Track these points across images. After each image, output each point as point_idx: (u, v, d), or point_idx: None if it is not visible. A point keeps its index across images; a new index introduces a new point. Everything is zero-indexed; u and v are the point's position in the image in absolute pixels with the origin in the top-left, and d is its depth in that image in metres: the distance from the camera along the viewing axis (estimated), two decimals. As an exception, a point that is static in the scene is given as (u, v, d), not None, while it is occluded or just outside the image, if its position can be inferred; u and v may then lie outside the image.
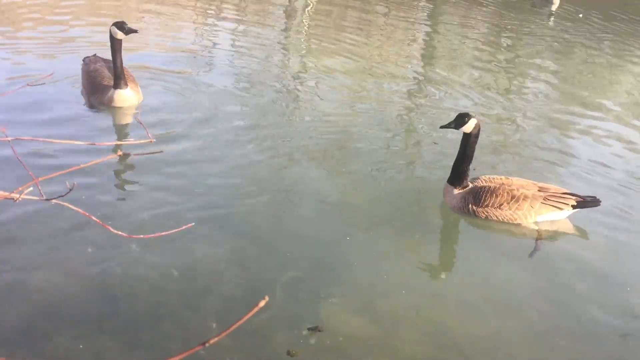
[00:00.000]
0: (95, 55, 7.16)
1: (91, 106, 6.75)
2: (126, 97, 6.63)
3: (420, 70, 10.14)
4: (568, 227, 5.38)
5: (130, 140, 2.72)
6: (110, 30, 6.46)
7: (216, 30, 11.16)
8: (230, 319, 3.78)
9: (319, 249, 4.73)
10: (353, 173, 6.01)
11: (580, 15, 16.02)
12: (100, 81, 6.69)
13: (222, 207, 5.08)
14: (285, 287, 4.19)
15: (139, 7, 11.49)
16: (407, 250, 4.90)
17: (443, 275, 4.71)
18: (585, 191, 5.54)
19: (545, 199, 5.11)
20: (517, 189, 5.14)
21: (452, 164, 5.37)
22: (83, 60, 7.10)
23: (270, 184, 5.61)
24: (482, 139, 6.88)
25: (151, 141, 2.30)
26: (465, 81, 9.36)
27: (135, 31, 6.55)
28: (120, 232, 2.25)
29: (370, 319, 4.02)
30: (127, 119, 6.71)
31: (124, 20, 6.59)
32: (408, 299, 4.27)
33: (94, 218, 2.17)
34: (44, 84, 6.34)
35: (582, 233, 5.35)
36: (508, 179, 5.31)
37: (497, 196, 5.12)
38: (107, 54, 6.74)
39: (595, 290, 4.62)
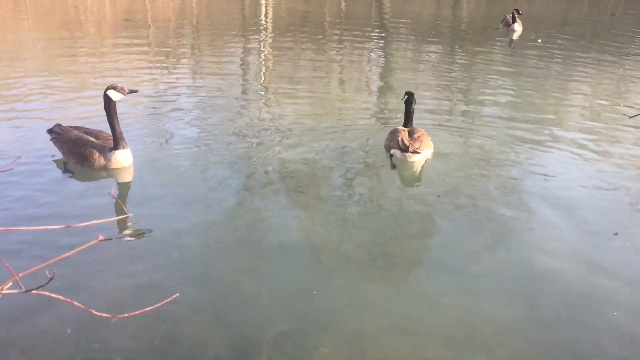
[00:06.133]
0: (58, 124, 7.13)
1: (70, 171, 6.76)
2: (127, 157, 6.84)
3: (380, 101, 10.49)
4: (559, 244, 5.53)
5: (108, 219, 2.74)
6: (107, 94, 6.61)
7: (172, 77, 11.34)
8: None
9: (301, 298, 4.69)
10: (325, 215, 6.05)
11: (539, 41, 16.70)
12: (92, 145, 6.76)
13: (200, 269, 5.04)
14: (272, 344, 4.13)
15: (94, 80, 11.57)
16: (392, 292, 4.89)
17: (429, 313, 4.61)
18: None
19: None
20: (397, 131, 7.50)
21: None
22: (52, 131, 7.05)
23: (246, 238, 5.60)
24: (445, 158, 7.14)
25: (128, 216, 2.33)
26: (426, 108, 9.62)
27: (135, 91, 6.83)
28: (104, 314, 2.24)
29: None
30: (127, 178, 6.83)
31: (116, 84, 6.73)
32: (397, 342, 4.25)
33: (76, 304, 2.15)
34: (12, 169, 6.26)
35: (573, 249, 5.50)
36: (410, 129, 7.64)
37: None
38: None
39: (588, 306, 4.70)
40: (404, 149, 7.08)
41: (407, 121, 7.73)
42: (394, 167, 7.19)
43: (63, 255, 1.78)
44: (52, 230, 5.06)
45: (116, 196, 6.41)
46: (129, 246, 5.35)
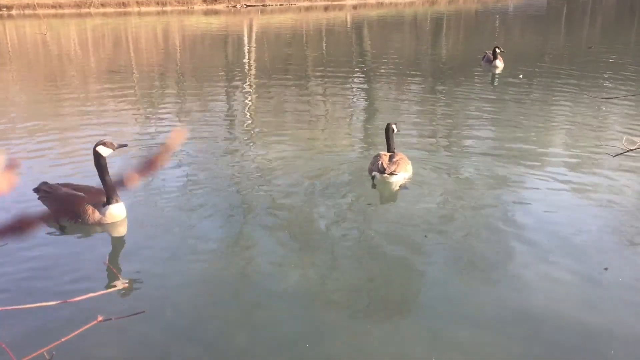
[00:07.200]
0: (45, 182, 7.06)
1: (63, 228, 6.68)
2: (121, 211, 6.81)
3: (364, 139, 10.71)
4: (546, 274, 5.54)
5: (103, 291, 2.71)
6: (96, 150, 6.64)
7: (159, 125, 11.36)
8: None
9: (298, 347, 4.66)
10: (316, 259, 6.06)
11: (521, 76, 17.03)
12: (85, 201, 6.76)
13: (194, 325, 4.98)
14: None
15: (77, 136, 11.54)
16: (389, 335, 4.87)
17: (427, 355, 4.58)
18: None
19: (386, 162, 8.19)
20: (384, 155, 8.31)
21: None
22: (39, 190, 6.95)
23: (238, 289, 5.59)
24: (432, 194, 7.18)
25: (125, 286, 2.33)
26: (411, 144, 9.72)
27: (125, 145, 6.94)
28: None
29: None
30: (122, 232, 6.78)
31: (105, 139, 6.77)
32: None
33: (74, 382, 2.14)
34: (6, 244, 6.17)
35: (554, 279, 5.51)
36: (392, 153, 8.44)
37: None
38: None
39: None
40: (382, 172, 8.00)
41: (389, 147, 8.68)
42: (374, 186, 8.21)
43: (63, 339, 1.77)
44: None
45: (109, 258, 6.32)
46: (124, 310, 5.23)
